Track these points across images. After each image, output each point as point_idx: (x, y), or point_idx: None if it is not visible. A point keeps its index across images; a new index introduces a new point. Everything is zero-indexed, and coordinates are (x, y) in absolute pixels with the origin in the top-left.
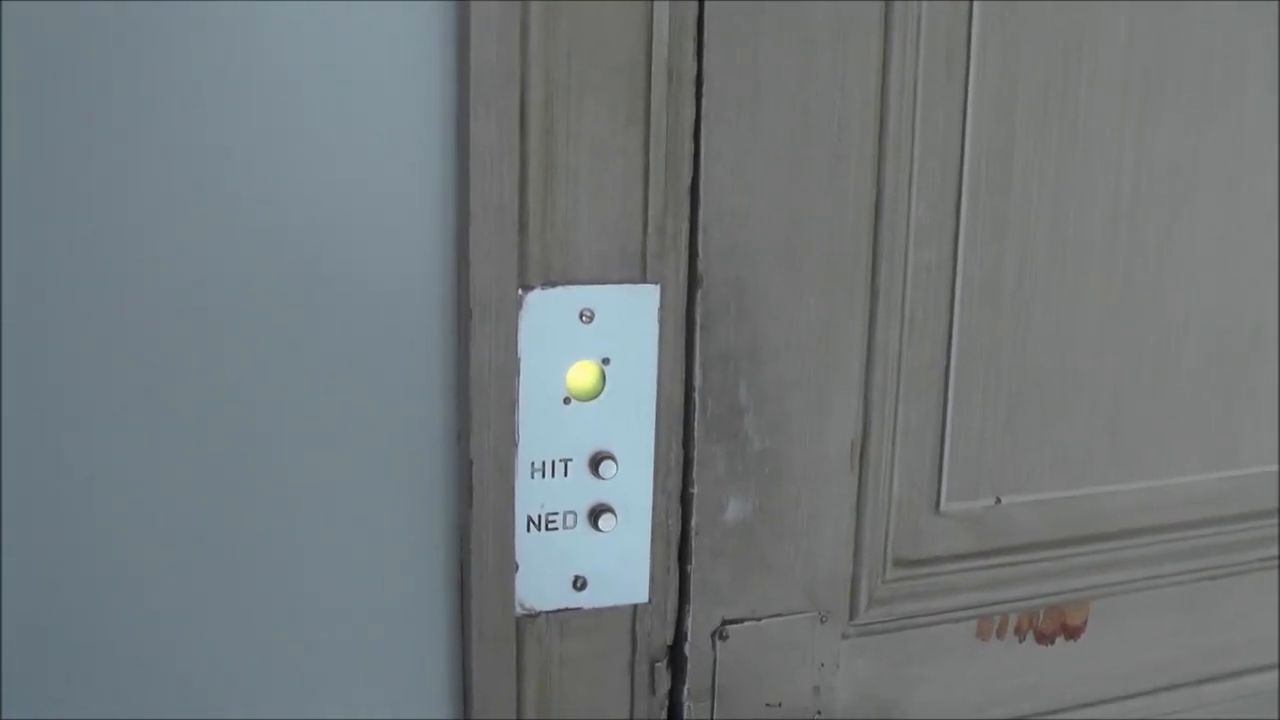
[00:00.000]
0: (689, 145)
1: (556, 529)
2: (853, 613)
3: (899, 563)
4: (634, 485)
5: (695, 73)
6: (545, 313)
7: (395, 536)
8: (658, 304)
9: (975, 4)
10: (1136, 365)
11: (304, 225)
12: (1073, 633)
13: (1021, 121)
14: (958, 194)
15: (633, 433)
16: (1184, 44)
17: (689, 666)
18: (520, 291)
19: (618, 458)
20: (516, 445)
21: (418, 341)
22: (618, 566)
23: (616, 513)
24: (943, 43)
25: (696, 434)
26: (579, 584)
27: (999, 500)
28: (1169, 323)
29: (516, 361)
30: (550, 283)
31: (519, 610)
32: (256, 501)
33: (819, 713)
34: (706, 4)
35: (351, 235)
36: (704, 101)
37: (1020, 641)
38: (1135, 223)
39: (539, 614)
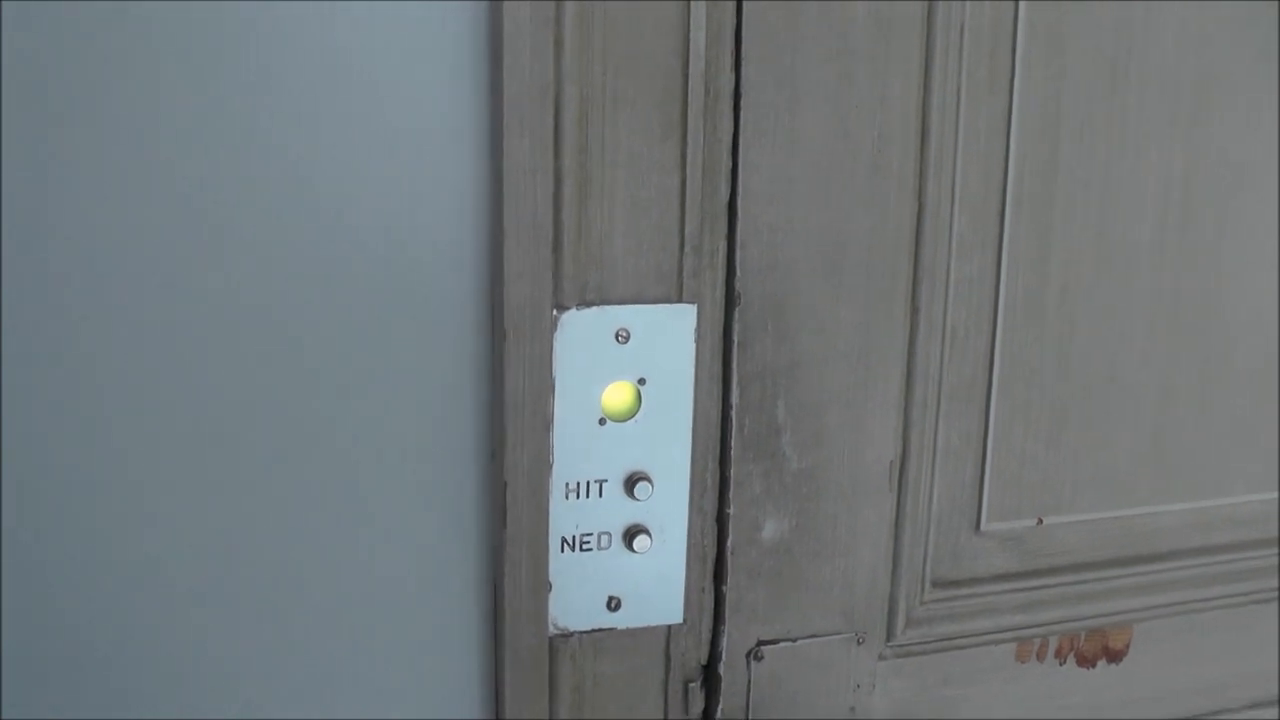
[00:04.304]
0: (727, 160)
1: (591, 549)
2: (890, 634)
3: (938, 583)
4: (669, 506)
5: (733, 85)
6: (580, 333)
7: (429, 556)
8: (694, 324)
9: (1021, 5)
10: (1185, 380)
11: (336, 244)
12: (1115, 656)
13: (1067, 129)
14: (1001, 205)
15: (669, 454)
16: (1234, 45)
17: (723, 687)
18: (555, 311)
19: (653, 479)
20: (551, 466)
21: (452, 361)
22: (652, 587)
23: (652, 534)
24: (986, 49)
25: (734, 453)
26: (613, 604)
27: (1041, 521)
28: (1219, 336)
29: (551, 382)
30: (586, 302)
31: (552, 630)
32: (288, 520)
33: None
34: (744, 15)
35: (384, 254)
36: (742, 114)
37: (1061, 664)
38: (1184, 233)
39: (573, 634)
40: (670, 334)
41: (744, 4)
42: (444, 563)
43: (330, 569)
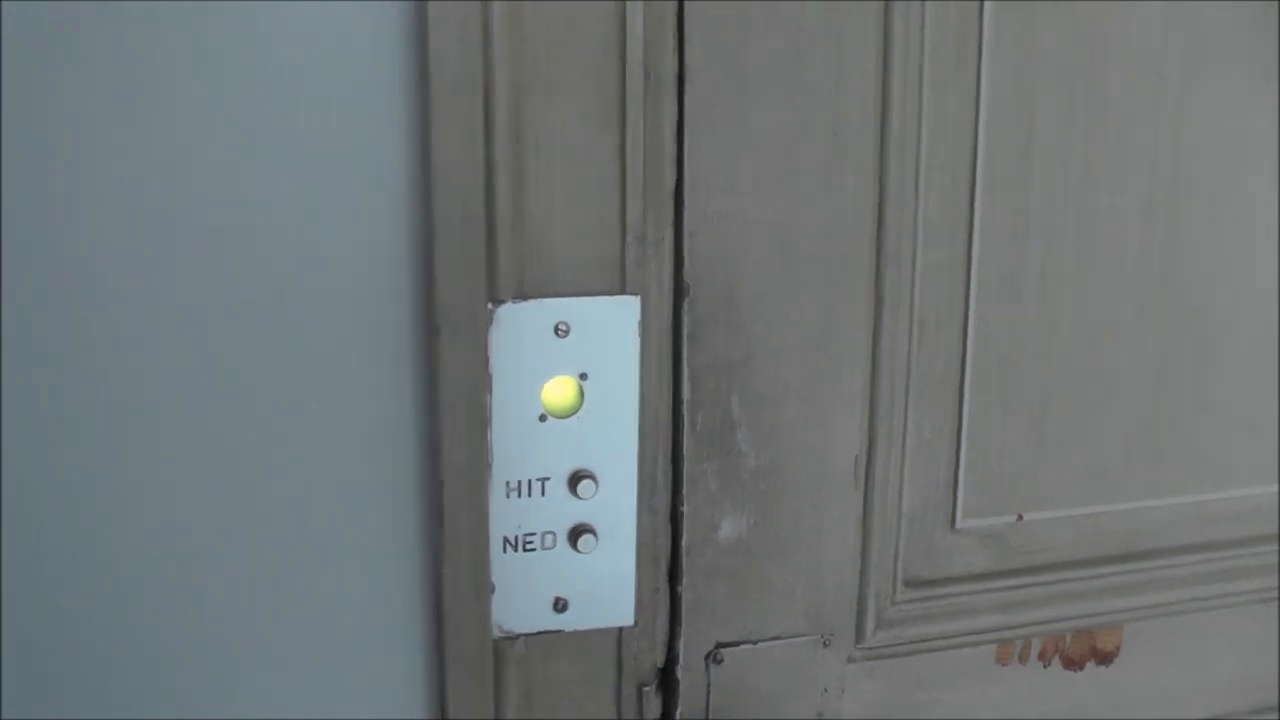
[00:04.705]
0: (671, 148)
1: (535, 550)
2: (859, 635)
3: (911, 583)
4: (616, 505)
5: (676, 71)
6: (518, 327)
7: (371, 557)
8: (638, 316)
9: None
10: (1178, 368)
11: (261, 244)
12: (1104, 658)
13: (1043, 108)
14: (971, 188)
15: (614, 450)
16: (1226, 16)
17: (681, 690)
18: (490, 305)
19: (598, 476)
20: (490, 464)
21: (387, 359)
22: (601, 588)
23: (598, 533)
24: (952, 25)
25: (686, 450)
26: (560, 606)
27: (1021, 517)
28: (1214, 322)
29: (488, 378)
30: (523, 295)
31: (497, 633)
32: (222, 521)
33: None
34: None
35: (312, 251)
36: (686, 101)
37: (1045, 667)
38: (1175, 214)
39: (518, 636)
40: (613, 327)
41: None
42: (386, 563)
43: (267, 570)
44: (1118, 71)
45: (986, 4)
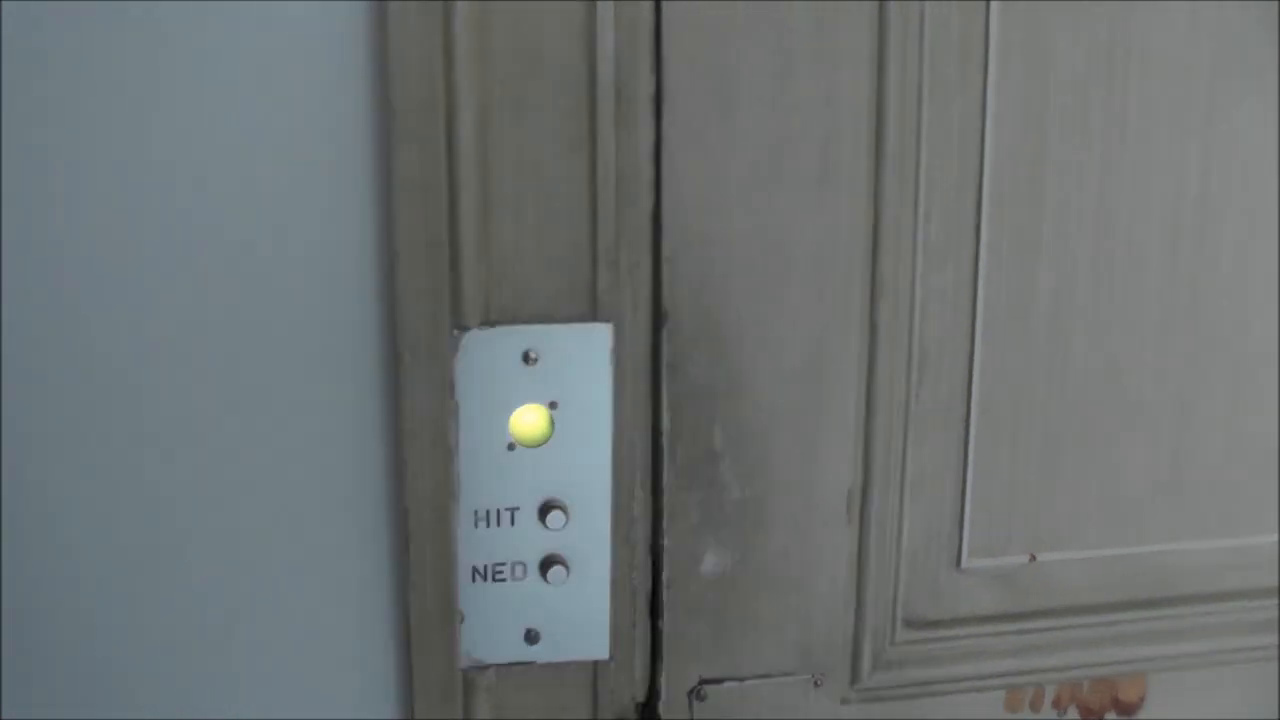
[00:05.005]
0: (648, 169)
1: (505, 580)
2: (855, 676)
3: (913, 623)
4: (589, 536)
5: (653, 90)
6: (484, 354)
7: (339, 586)
8: (610, 344)
9: None
10: (1207, 402)
11: (222, 268)
12: (1127, 709)
13: (1055, 124)
14: (977, 209)
15: (586, 481)
16: (1263, 19)
17: None
18: (456, 332)
19: (570, 507)
20: (456, 493)
21: (351, 386)
22: (574, 620)
23: (569, 565)
24: (955, 33)
25: (666, 481)
26: (531, 637)
27: (1034, 557)
28: (1246, 352)
29: (454, 405)
30: (489, 322)
31: (466, 661)
32: (192, 544)
33: None
34: (665, 15)
35: (275, 275)
36: (664, 119)
37: (1060, 714)
38: (1203, 236)
39: (489, 666)
40: (583, 355)
41: (664, 3)
42: (353, 590)
43: (231, 596)
44: (1137, 83)
45: (993, 5)
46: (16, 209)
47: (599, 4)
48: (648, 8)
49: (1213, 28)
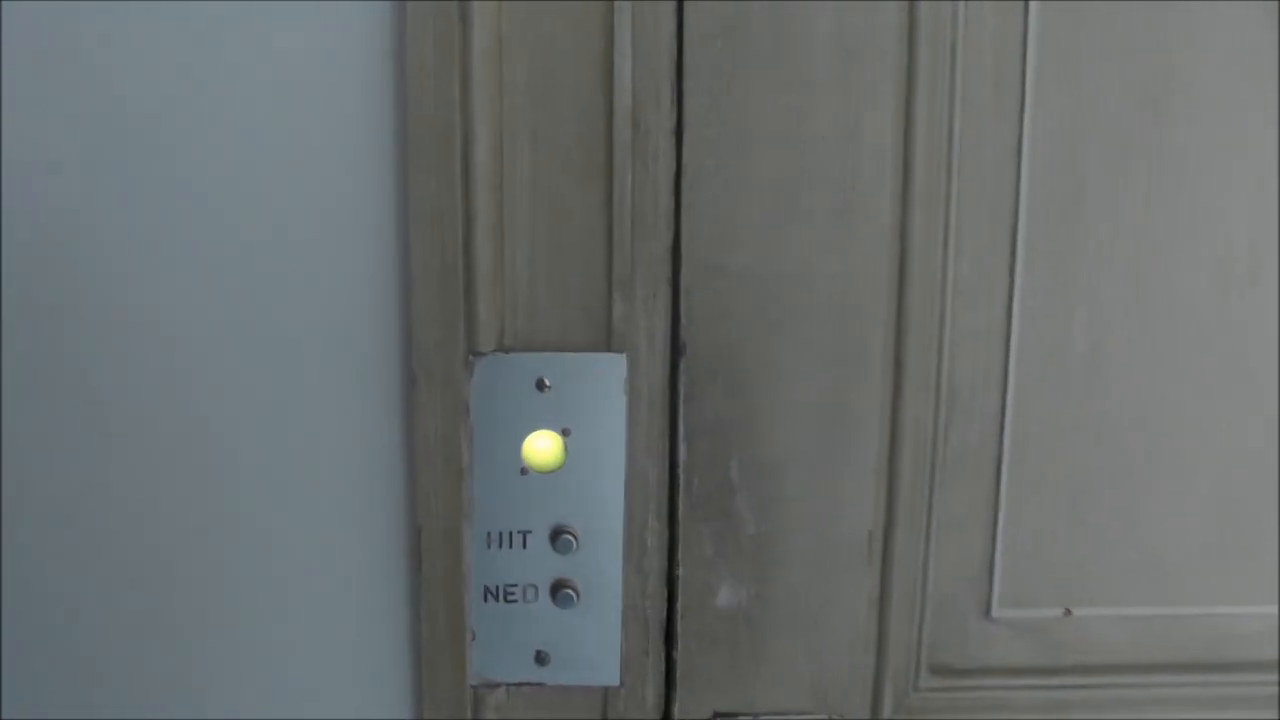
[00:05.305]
0: (668, 200)
1: (516, 601)
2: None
3: (939, 670)
4: (599, 563)
5: (674, 122)
6: (498, 380)
7: (353, 603)
8: (624, 374)
9: (1031, 12)
10: (1258, 459)
11: (242, 291)
12: None
13: (1096, 160)
14: (1011, 249)
15: (598, 509)
16: None
17: None
18: (470, 357)
19: (580, 533)
20: (470, 514)
21: (367, 407)
22: (584, 645)
23: (579, 590)
24: (989, 61)
25: (681, 512)
26: (541, 659)
27: (1069, 611)
28: None
29: (468, 429)
30: (504, 348)
31: (475, 679)
32: (207, 560)
33: None
34: (686, 47)
35: (294, 297)
36: (685, 152)
37: None
38: (1256, 282)
39: (499, 685)
40: (596, 384)
41: (685, 35)
42: (366, 607)
43: (245, 611)
44: (1183, 116)
45: (1030, 36)
46: (32, 223)
47: (616, 36)
48: (667, 39)
49: (1258, 65)
